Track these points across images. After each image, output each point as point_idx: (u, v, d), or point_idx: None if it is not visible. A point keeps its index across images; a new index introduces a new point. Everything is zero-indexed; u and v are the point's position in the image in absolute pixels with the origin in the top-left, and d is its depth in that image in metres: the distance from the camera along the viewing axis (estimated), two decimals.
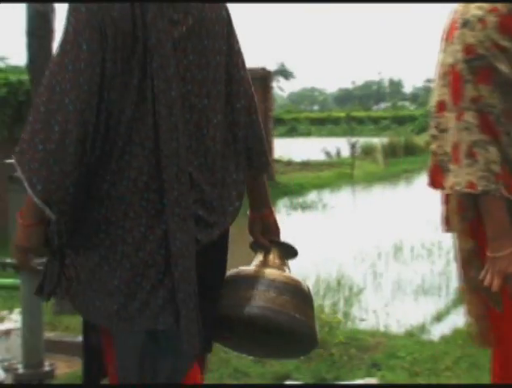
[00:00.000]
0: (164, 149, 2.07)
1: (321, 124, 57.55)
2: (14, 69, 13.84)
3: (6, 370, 4.53)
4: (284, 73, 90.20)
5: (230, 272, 2.43)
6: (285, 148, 26.53)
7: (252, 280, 2.35)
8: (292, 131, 53.86)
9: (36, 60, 6.23)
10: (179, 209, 2.08)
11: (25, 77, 12.31)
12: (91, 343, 2.34)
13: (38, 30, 6.14)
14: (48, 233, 2.17)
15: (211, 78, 2.20)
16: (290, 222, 16.15)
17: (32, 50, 6.25)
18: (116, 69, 2.03)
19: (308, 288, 2.46)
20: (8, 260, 4.42)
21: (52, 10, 6.19)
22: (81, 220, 2.11)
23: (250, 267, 2.44)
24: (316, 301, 7.84)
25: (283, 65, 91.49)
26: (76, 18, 2.04)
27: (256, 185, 2.46)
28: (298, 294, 2.35)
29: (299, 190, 21.02)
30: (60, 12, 6.29)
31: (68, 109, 2.01)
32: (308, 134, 52.88)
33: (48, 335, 4.87)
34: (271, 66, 46.59)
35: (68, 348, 5.15)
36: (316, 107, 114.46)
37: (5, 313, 5.20)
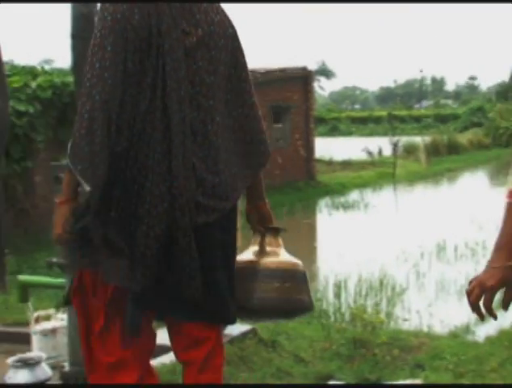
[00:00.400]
0: (174, 139, 2.44)
1: (363, 123, 57.27)
2: (59, 72, 14.00)
3: (53, 368, 4.60)
4: (325, 72, 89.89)
5: (240, 263, 2.74)
6: (326, 147, 26.45)
7: (261, 271, 2.69)
8: (333, 130, 53.68)
9: (81, 62, 6.28)
10: (182, 191, 2.45)
11: (69, 79, 12.49)
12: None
13: (82, 32, 6.18)
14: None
15: (217, 84, 2.57)
16: (331, 222, 16.11)
17: (76, 52, 6.30)
18: (135, 68, 2.41)
19: (302, 266, 2.82)
20: (54, 260, 4.50)
21: (96, 12, 6.26)
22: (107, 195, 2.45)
23: (251, 257, 2.78)
24: (359, 301, 7.83)
25: (323, 64, 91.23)
26: (102, 26, 2.42)
27: (253, 181, 2.83)
28: (298, 277, 2.74)
29: (340, 189, 20.95)
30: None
31: (95, 99, 2.38)
32: (349, 133, 52.67)
33: None
34: (312, 66, 46.49)
35: None
36: (357, 106, 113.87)
37: (51, 311, 5.28)
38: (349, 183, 21.89)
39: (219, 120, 2.58)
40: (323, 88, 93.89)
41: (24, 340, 5.09)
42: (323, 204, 18.86)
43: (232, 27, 2.65)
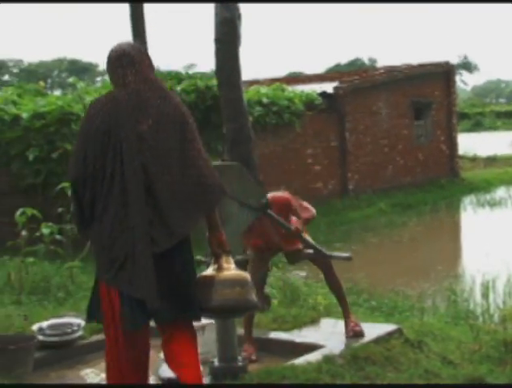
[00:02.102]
0: (129, 195, 3.54)
1: (509, 118, 54.96)
2: (202, 76, 14.40)
3: (203, 363, 4.74)
4: (467, 66, 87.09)
5: (200, 274, 3.76)
6: (470, 143, 25.63)
7: (218, 282, 3.70)
8: (477, 125, 51.89)
9: (224, 66, 6.43)
10: (140, 233, 3.51)
11: (212, 82, 12.82)
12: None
13: (226, 36, 6.33)
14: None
15: (163, 155, 3.58)
16: (477, 220, 15.60)
17: (220, 56, 6.46)
18: (96, 152, 3.58)
19: (246, 274, 3.87)
20: (202, 258, 4.63)
21: (239, 17, 6.38)
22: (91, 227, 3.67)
23: (212, 272, 3.76)
24: (508, 302, 7.53)
25: (465, 58, 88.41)
26: (80, 126, 3.79)
27: (209, 217, 3.76)
28: (245, 284, 3.75)
29: (485, 186, 20.24)
30: (245, 19, 6.47)
31: (69, 176, 3.72)
32: (494, 128, 50.75)
33: (240, 330, 5.02)
34: (454, 60, 45.14)
35: (258, 344, 5.28)
36: (502, 100, 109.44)
37: None
38: (494, 180, 21.11)
39: (166, 178, 3.56)
40: (465, 82, 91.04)
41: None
42: (467, 202, 18.30)
43: (182, 113, 3.68)
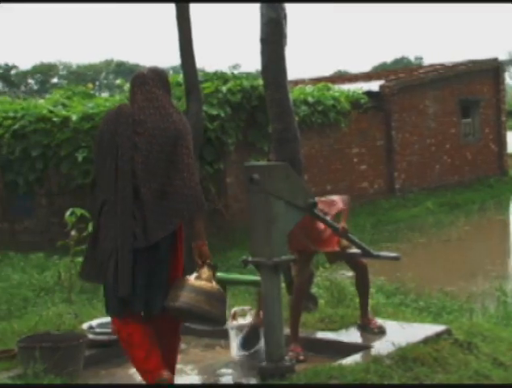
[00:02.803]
0: (119, 195, 4.15)
1: None
2: (247, 76, 14.41)
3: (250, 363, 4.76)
4: None
5: (178, 279, 4.22)
6: None
7: (187, 286, 4.15)
8: None
9: (270, 66, 6.44)
10: (123, 228, 4.13)
11: (258, 82, 12.83)
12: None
13: (271, 36, 6.35)
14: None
15: (152, 164, 4.15)
16: None
17: (266, 55, 6.48)
18: (105, 158, 4.24)
19: (220, 290, 4.26)
20: (249, 258, 4.64)
21: (285, 17, 6.39)
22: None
23: (190, 278, 4.22)
24: None
25: None
26: (95, 134, 4.53)
27: (192, 226, 4.22)
28: (210, 295, 4.17)
29: None
30: (290, 18, 6.46)
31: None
32: None
33: (287, 330, 5.02)
34: (503, 56, 44.36)
35: (305, 344, 5.28)
36: None
37: (247, 308, 5.45)
38: None
39: (151, 185, 4.12)
40: None
41: (222, 335, 5.29)
42: None
43: (178, 129, 4.21)
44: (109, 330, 5.37)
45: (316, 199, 4.91)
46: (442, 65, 20.56)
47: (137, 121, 4.21)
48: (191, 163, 4.19)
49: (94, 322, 5.48)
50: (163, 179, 4.14)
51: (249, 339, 5.13)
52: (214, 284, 4.24)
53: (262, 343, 4.89)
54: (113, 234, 4.14)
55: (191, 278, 4.21)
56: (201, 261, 4.25)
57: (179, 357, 4.55)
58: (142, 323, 4.21)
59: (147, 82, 4.33)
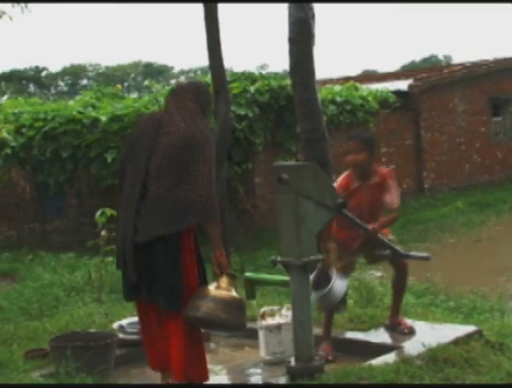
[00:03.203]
0: (129, 190, 4.41)
1: None
2: (275, 76, 14.40)
3: (280, 362, 4.77)
4: None
5: (197, 289, 4.37)
6: None
7: (206, 296, 4.30)
8: None
9: (298, 65, 6.44)
10: (127, 221, 4.38)
11: (286, 82, 12.82)
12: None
13: (299, 36, 6.35)
14: None
15: (166, 165, 4.31)
16: None
17: (294, 56, 6.47)
18: (129, 152, 4.53)
19: (238, 299, 4.43)
20: (278, 258, 4.65)
21: (313, 16, 6.38)
22: None
23: (210, 287, 4.38)
24: None
25: None
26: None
27: (209, 236, 4.37)
28: (228, 303, 4.30)
29: None
30: (317, 18, 6.43)
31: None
32: None
33: (316, 330, 5.01)
34: None
35: (335, 345, 5.27)
36: None
37: (276, 308, 5.45)
38: None
39: (161, 184, 4.27)
40: None
41: (252, 335, 5.29)
42: None
43: (199, 139, 4.34)
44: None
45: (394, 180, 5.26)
46: (472, 64, 20.37)
47: (163, 124, 4.40)
48: (206, 173, 4.30)
49: (125, 322, 5.52)
50: (174, 182, 4.28)
51: (319, 282, 5.10)
52: (233, 292, 4.39)
53: (332, 286, 5.01)
54: (122, 225, 4.41)
55: (211, 287, 4.38)
56: (219, 271, 4.41)
57: (208, 357, 4.56)
58: (150, 313, 4.46)
59: (182, 93, 4.55)
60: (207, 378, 4.44)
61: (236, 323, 4.38)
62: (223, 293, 4.33)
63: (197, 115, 4.46)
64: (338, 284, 5.05)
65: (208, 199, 4.29)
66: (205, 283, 4.46)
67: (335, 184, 5.23)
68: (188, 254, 4.35)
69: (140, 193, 4.33)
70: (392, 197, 5.27)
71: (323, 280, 5.08)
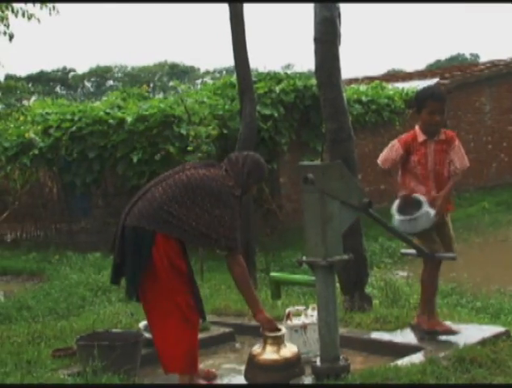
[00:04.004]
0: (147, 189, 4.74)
1: None
2: (300, 76, 14.40)
3: (305, 363, 4.76)
4: None
5: (252, 350, 4.64)
6: None
7: (254, 363, 4.53)
8: None
9: (323, 65, 6.41)
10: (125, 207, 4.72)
11: (311, 82, 12.80)
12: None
13: (325, 35, 6.31)
14: None
15: (177, 193, 4.61)
16: None
17: (319, 56, 6.44)
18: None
19: (285, 356, 4.54)
20: (304, 258, 4.64)
21: (339, 16, 6.34)
22: None
23: (257, 351, 4.57)
24: None
25: None
26: None
27: (243, 296, 4.77)
28: (277, 367, 4.49)
29: None
30: (343, 17, 6.41)
31: None
32: None
33: (341, 330, 5.00)
34: None
35: (360, 345, 5.25)
36: None
37: (301, 308, 5.45)
38: None
39: (168, 195, 4.57)
40: None
41: None
42: None
43: (214, 186, 4.63)
44: None
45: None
46: (499, 62, 20.18)
47: (192, 166, 4.79)
48: (219, 215, 4.54)
49: None
50: (180, 200, 4.56)
51: (404, 206, 5.14)
52: (276, 355, 4.52)
53: (424, 211, 5.02)
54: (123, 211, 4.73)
55: (259, 352, 4.56)
56: (264, 332, 4.57)
57: (233, 356, 4.57)
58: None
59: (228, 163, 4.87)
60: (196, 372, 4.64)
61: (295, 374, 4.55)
62: (274, 359, 4.50)
63: (220, 176, 4.70)
64: (427, 213, 5.05)
65: (208, 230, 4.52)
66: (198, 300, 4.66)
67: (397, 140, 5.26)
68: (164, 259, 4.49)
69: (148, 189, 4.67)
70: (462, 158, 5.28)
71: (409, 206, 5.10)
